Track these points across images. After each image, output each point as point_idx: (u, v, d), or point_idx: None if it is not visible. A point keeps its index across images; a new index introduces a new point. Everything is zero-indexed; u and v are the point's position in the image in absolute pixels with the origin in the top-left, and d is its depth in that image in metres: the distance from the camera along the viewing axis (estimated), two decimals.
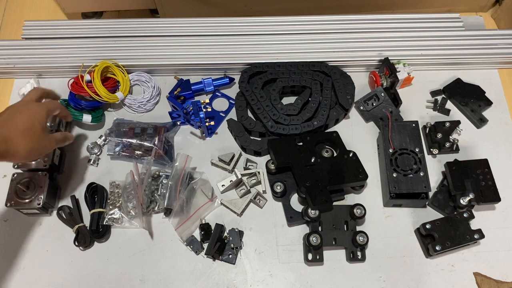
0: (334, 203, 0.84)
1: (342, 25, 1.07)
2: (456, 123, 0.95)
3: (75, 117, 0.95)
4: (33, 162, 0.88)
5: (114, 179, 0.92)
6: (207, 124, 0.93)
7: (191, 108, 0.93)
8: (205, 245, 0.86)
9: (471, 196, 0.84)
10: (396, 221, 0.89)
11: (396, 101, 0.98)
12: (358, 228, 0.87)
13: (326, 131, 0.99)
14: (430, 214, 0.89)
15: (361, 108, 1.00)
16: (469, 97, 1.00)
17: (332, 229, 0.86)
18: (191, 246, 0.86)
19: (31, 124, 0.72)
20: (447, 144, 0.93)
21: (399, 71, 0.99)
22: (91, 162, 0.95)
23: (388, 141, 0.90)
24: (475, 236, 0.82)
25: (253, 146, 0.94)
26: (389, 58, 1.00)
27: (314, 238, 0.82)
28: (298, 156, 0.89)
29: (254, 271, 0.85)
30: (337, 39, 1.05)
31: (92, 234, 0.87)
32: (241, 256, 0.86)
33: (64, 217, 0.89)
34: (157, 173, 0.91)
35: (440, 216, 0.88)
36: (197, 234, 0.88)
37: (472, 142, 0.97)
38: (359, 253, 0.85)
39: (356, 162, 0.89)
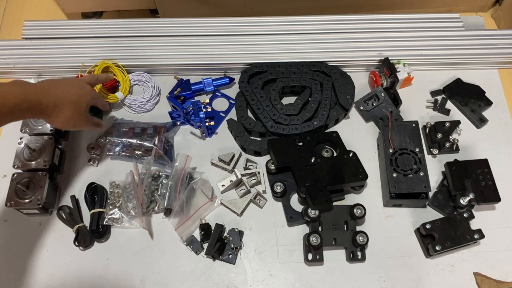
0: (334, 203, 0.84)
1: (342, 25, 1.07)
2: (456, 123, 0.95)
3: None
4: (33, 162, 0.88)
5: (114, 179, 0.92)
6: (207, 124, 0.93)
7: (191, 108, 0.93)
8: (205, 245, 0.86)
9: (471, 196, 0.84)
10: (396, 221, 0.89)
11: (396, 101, 0.98)
12: (358, 228, 0.87)
13: (326, 131, 0.99)
14: (430, 214, 0.89)
15: (361, 108, 1.00)
16: (469, 97, 1.00)
17: (332, 229, 0.86)
18: (191, 246, 0.86)
19: (79, 100, 0.79)
20: (447, 144, 0.93)
21: (399, 71, 0.99)
22: (91, 162, 0.95)
23: (388, 141, 0.90)
24: (475, 236, 0.82)
25: (253, 146, 0.94)
26: (389, 58, 1.00)
27: (314, 238, 0.82)
28: (298, 156, 0.89)
29: (254, 271, 0.85)
30: (337, 39, 1.05)
31: (92, 234, 0.87)
32: (241, 256, 0.86)
33: (64, 217, 0.89)
34: (157, 173, 0.91)
35: (440, 216, 0.88)
36: (197, 234, 0.88)
37: (472, 142, 0.97)
38: (359, 253, 0.85)
39: (356, 162, 0.89)
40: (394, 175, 0.86)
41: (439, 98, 1.02)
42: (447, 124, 0.94)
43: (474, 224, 0.85)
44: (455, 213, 0.86)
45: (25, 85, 0.70)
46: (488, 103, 1.00)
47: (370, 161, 0.95)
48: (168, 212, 0.88)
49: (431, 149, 0.94)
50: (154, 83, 1.03)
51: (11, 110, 0.66)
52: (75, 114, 0.78)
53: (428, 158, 0.94)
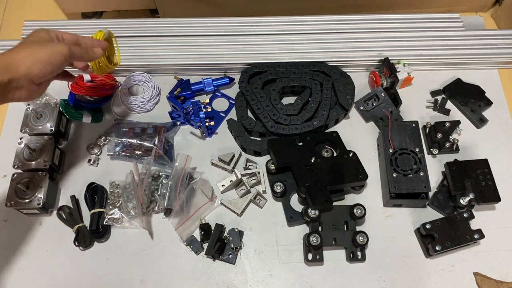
0: (334, 203, 0.84)
1: (342, 25, 1.07)
2: (456, 123, 0.95)
3: (75, 118, 0.95)
4: (33, 162, 0.88)
5: (114, 179, 0.92)
6: (207, 124, 0.93)
7: (191, 108, 0.93)
8: (205, 245, 0.86)
9: (471, 196, 0.84)
10: (396, 221, 0.89)
11: (396, 101, 0.98)
12: (358, 228, 0.87)
13: (326, 131, 0.99)
14: (430, 214, 0.89)
15: (361, 108, 1.00)
16: (469, 97, 1.00)
17: (332, 229, 0.86)
18: (191, 246, 0.86)
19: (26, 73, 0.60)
20: (447, 144, 0.93)
21: (399, 71, 0.99)
22: (91, 162, 0.95)
23: (388, 141, 0.90)
24: (475, 236, 0.82)
25: (253, 146, 0.94)
26: (389, 58, 1.00)
27: (314, 238, 0.82)
28: (298, 156, 0.89)
29: (254, 271, 0.85)
30: (337, 39, 1.05)
31: (92, 234, 0.87)
32: (241, 256, 0.86)
33: (64, 217, 0.89)
34: (157, 173, 0.91)
35: (440, 216, 0.88)
36: (197, 234, 0.88)
37: (472, 142, 0.97)
38: (359, 253, 0.85)
39: (356, 162, 0.89)
40: (394, 175, 0.86)
41: (439, 98, 1.02)
42: (447, 124, 0.94)
43: (474, 224, 0.85)
44: (455, 213, 0.86)
45: None
46: (488, 103, 1.00)
47: (370, 161, 0.95)
48: (168, 212, 0.88)
49: (431, 149, 0.94)
50: (154, 83, 1.03)
51: None
52: (36, 50, 0.62)
53: (428, 158, 0.94)
